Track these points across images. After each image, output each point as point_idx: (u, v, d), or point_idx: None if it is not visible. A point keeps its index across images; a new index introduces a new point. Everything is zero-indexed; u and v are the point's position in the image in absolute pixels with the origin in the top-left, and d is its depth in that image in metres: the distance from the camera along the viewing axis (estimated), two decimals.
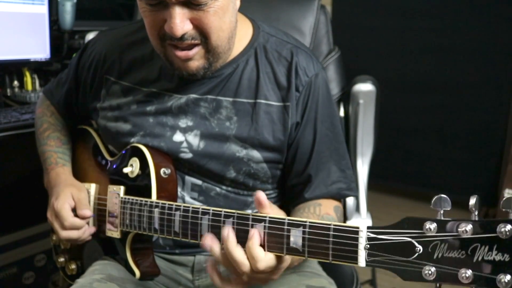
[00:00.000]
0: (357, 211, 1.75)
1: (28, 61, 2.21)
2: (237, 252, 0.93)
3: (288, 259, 0.97)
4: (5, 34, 2.08)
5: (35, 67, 2.34)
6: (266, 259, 0.93)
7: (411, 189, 3.91)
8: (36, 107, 1.57)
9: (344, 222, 1.72)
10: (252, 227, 0.95)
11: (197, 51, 1.13)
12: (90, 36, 2.05)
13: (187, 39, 1.10)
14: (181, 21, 1.07)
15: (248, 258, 0.93)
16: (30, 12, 2.15)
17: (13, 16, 2.09)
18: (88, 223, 1.29)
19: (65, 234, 1.25)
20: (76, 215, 1.26)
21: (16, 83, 2.28)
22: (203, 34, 1.11)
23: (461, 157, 3.67)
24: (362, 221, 1.74)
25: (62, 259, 1.46)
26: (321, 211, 1.22)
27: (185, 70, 1.16)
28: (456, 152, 3.68)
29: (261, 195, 0.95)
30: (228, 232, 0.95)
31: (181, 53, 1.12)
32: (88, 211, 1.27)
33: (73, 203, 1.27)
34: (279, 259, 0.95)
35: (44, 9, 2.19)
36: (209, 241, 0.97)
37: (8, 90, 2.26)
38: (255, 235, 0.93)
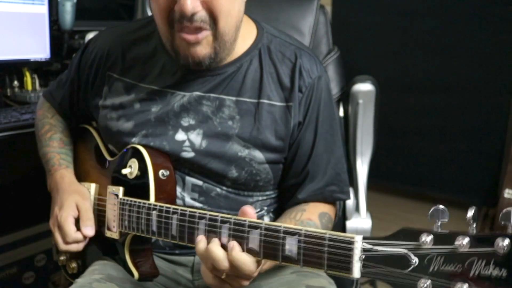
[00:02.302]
0: (357, 211, 1.76)
1: (28, 61, 2.21)
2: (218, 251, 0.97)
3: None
4: (5, 34, 2.08)
5: (35, 67, 2.34)
6: (254, 260, 0.96)
7: (411, 189, 3.90)
8: (36, 110, 1.56)
9: (344, 222, 1.73)
10: (248, 233, 0.95)
11: (205, 36, 1.13)
12: (90, 36, 2.06)
13: (197, 20, 1.10)
14: (192, 0, 1.08)
15: (239, 266, 0.95)
16: (30, 12, 2.14)
17: (13, 16, 2.09)
18: None
19: (65, 247, 1.25)
20: (79, 228, 1.26)
21: (16, 83, 2.28)
22: (212, 18, 1.12)
23: (461, 157, 3.66)
24: (362, 221, 1.74)
25: (63, 258, 1.46)
26: (303, 216, 1.22)
27: (191, 56, 1.15)
28: (456, 152, 3.68)
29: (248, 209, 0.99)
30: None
31: (190, 36, 1.12)
32: (91, 230, 1.26)
33: (77, 213, 1.26)
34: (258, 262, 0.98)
35: (44, 9, 2.19)
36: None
37: (8, 90, 2.26)
38: (235, 243, 0.96)
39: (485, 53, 3.47)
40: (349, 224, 1.73)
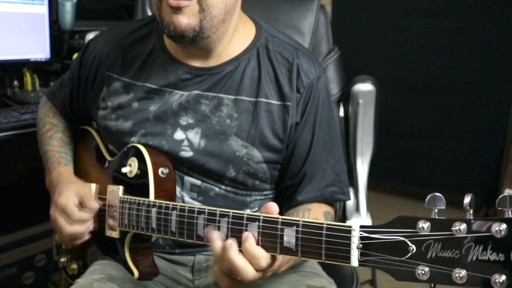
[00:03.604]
0: (357, 211, 1.76)
1: (28, 61, 2.21)
2: (239, 260, 0.93)
3: (279, 258, 0.97)
4: (5, 34, 2.08)
5: (35, 67, 2.35)
6: (266, 255, 0.93)
7: (411, 189, 3.89)
8: (38, 109, 1.57)
9: (344, 222, 1.73)
10: (246, 226, 0.95)
11: (190, 4, 1.12)
12: (90, 36, 2.06)
13: None
14: None
15: (248, 259, 0.93)
16: (30, 12, 2.15)
17: (13, 16, 2.09)
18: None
19: (70, 229, 1.23)
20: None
21: (16, 83, 2.28)
22: None
23: (461, 157, 3.66)
24: (362, 221, 1.74)
25: (63, 259, 1.46)
26: (310, 216, 1.22)
27: (173, 25, 1.14)
28: (456, 152, 3.67)
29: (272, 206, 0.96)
30: (232, 242, 0.95)
31: (172, 1, 1.11)
32: (95, 203, 1.25)
33: (77, 200, 1.25)
34: (273, 258, 0.95)
35: (44, 9, 2.19)
36: (215, 235, 0.97)
37: (8, 90, 2.26)
38: (250, 235, 0.93)
39: (485, 53, 3.47)
40: (349, 224, 1.73)
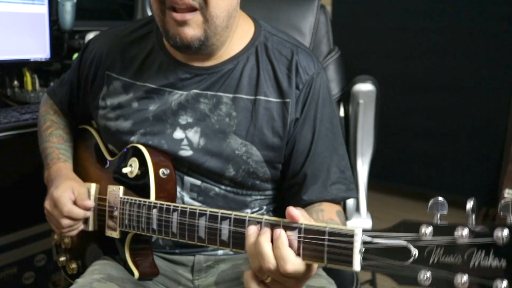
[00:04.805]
0: (357, 211, 1.76)
1: (28, 61, 2.22)
2: (267, 247, 0.88)
3: (315, 267, 0.91)
4: (5, 34, 2.08)
5: (35, 67, 2.35)
6: (296, 262, 0.87)
7: (411, 189, 3.90)
8: (39, 106, 1.57)
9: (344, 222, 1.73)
10: None
11: (194, 16, 1.13)
12: (90, 36, 2.06)
13: None
14: None
15: (276, 258, 0.87)
16: (30, 12, 2.15)
17: (13, 16, 2.09)
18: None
19: (63, 221, 1.25)
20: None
21: (16, 83, 2.28)
22: None
23: (461, 157, 3.66)
24: (362, 221, 1.74)
25: (63, 259, 1.47)
26: (324, 217, 1.20)
27: (179, 37, 1.15)
28: (456, 152, 3.67)
29: (292, 211, 0.90)
30: (267, 229, 0.90)
31: (177, 15, 1.12)
32: (89, 202, 1.26)
33: (73, 197, 1.26)
34: (308, 267, 0.89)
35: (44, 9, 2.19)
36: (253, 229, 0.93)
37: (8, 90, 2.26)
38: (282, 234, 0.88)
39: (485, 53, 3.47)
40: (350, 224, 1.73)
